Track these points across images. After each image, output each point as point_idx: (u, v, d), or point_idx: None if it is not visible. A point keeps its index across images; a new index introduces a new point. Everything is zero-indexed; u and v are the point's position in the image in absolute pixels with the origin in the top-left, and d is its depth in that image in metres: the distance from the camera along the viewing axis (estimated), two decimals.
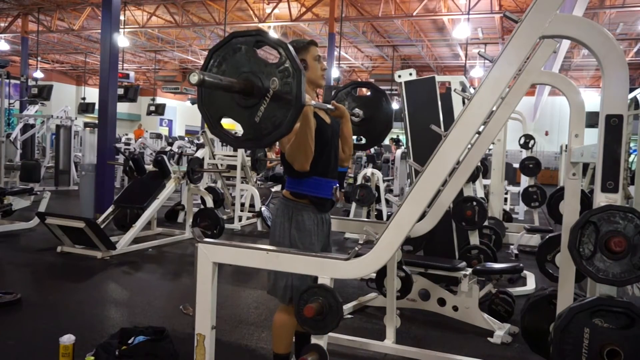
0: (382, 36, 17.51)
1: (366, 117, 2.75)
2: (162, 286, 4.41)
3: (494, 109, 2.61)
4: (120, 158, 8.77)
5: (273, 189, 9.27)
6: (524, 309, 2.40)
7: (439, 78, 4.25)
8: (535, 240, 6.05)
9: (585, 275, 1.58)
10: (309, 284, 1.97)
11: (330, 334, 2.09)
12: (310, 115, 2.02)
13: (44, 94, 11.77)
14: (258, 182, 8.63)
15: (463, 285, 3.40)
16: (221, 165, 7.49)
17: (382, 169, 9.36)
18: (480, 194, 5.88)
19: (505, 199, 8.67)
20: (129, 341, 2.72)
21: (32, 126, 11.61)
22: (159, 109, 16.75)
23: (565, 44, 10.17)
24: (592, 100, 15.78)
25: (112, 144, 7.52)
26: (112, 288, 4.31)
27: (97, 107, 7.74)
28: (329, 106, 2.28)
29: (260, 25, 14.75)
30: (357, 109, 2.74)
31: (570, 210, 2.22)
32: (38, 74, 18.45)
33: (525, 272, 4.67)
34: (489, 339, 3.25)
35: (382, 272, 3.29)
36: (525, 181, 7.59)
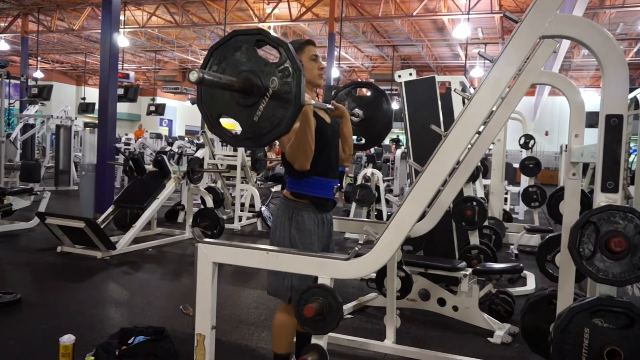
0: (382, 36, 17.52)
1: (366, 117, 2.75)
2: (162, 286, 4.41)
3: (494, 109, 2.61)
4: (120, 158, 8.77)
5: (273, 189, 9.28)
6: (524, 309, 2.40)
7: (439, 78, 4.25)
8: (535, 240, 6.05)
9: (585, 275, 1.58)
10: (310, 284, 1.97)
11: (330, 334, 2.09)
12: (310, 115, 2.02)
13: (44, 94, 11.77)
14: (258, 182, 8.63)
15: (463, 285, 3.40)
16: (221, 165, 7.49)
17: (382, 169, 9.36)
18: (480, 194, 5.88)
19: (505, 199, 8.66)
20: (129, 341, 2.72)
21: (32, 126, 11.61)
22: (159, 109, 16.75)
23: (565, 44, 10.17)
24: (592, 100, 15.78)
25: (112, 144, 7.52)
26: (112, 288, 4.31)
27: (97, 107, 7.74)
28: (329, 106, 2.28)
29: (260, 25, 14.74)
30: (357, 109, 2.74)
31: (570, 210, 2.22)
32: (38, 74, 18.45)
33: (525, 272, 4.67)
34: (489, 339, 3.25)
35: (382, 272, 3.29)
36: (525, 181, 7.59)
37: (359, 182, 7.27)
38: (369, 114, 2.75)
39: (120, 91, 11.23)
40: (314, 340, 1.91)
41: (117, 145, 9.07)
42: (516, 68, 1.81)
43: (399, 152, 9.04)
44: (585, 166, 6.39)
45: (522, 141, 7.80)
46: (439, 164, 1.89)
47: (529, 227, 5.80)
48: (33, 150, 11.88)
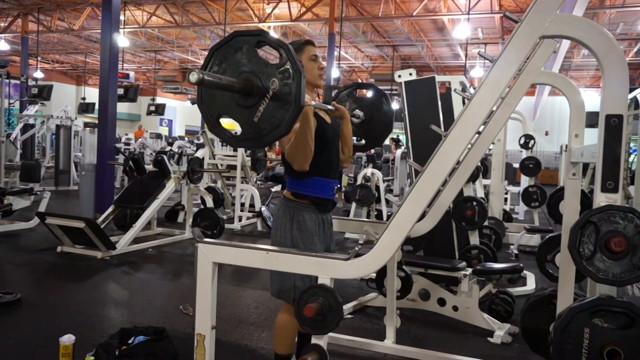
0: (382, 36, 17.51)
1: (366, 118, 2.75)
2: (162, 286, 4.41)
3: (494, 109, 2.61)
4: (120, 158, 8.77)
5: (273, 189, 9.28)
6: (524, 309, 2.40)
7: (439, 78, 4.25)
8: (535, 240, 6.05)
9: (585, 275, 1.58)
10: (310, 284, 1.97)
11: (331, 334, 2.09)
12: (310, 116, 2.02)
13: (44, 94, 11.76)
14: (258, 182, 8.63)
15: (463, 285, 3.40)
16: (221, 165, 7.49)
17: (382, 169, 9.36)
18: (480, 194, 5.89)
19: (505, 199, 8.66)
20: (129, 341, 2.72)
21: (32, 126, 11.61)
22: (159, 109, 16.75)
23: (565, 44, 10.17)
24: (592, 100, 15.79)
25: (112, 144, 7.52)
26: (112, 288, 4.31)
27: (97, 107, 7.74)
28: (329, 107, 2.28)
29: (260, 25, 14.75)
30: (357, 111, 2.74)
31: (570, 210, 2.22)
32: (38, 74, 18.45)
33: (525, 272, 4.67)
34: (489, 339, 3.25)
35: (382, 272, 3.29)
36: (525, 181, 7.59)
37: (359, 182, 7.27)
38: (370, 115, 2.75)
39: (120, 91, 11.22)
40: (314, 340, 1.91)
41: (117, 145, 9.07)
42: (516, 68, 1.81)
43: (399, 152, 9.04)
44: (585, 166, 6.39)
45: (522, 141, 7.80)
46: (439, 164, 1.89)
47: (529, 227, 5.80)
48: (33, 150, 11.89)
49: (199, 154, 7.53)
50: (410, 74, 4.17)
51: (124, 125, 25.33)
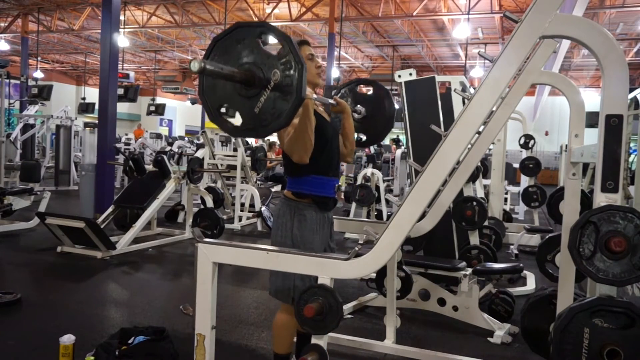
0: (382, 36, 17.51)
1: (368, 114, 2.75)
2: (162, 286, 4.41)
3: (494, 109, 2.61)
4: (120, 158, 8.77)
5: (273, 189, 9.27)
6: (524, 309, 2.40)
7: (439, 78, 4.25)
8: (535, 240, 6.05)
9: (585, 275, 1.58)
10: (310, 284, 1.97)
11: (330, 334, 2.09)
12: (310, 108, 2.02)
13: (44, 94, 11.76)
14: (258, 182, 8.63)
15: (463, 285, 3.40)
16: (221, 165, 7.49)
17: (382, 169, 9.36)
18: (480, 194, 5.88)
19: (505, 199, 8.66)
20: (129, 341, 2.72)
21: (32, 126, 11.61)
22: (159, 109, 16.75)
23: (565, 44, 10.17)
24: (592, 100, 15.79)
25: (112, 144, 7.52)
26: (112, 288, 4.31)
27: (97, 107, 7.74)
28: (331, 101, 2.28)
29: None
30: (359, 106, 2.74)
31: (570, 210, 2.22)
32: (38, 74, 18.45)
33: (525, 272, 4.67)
34: (489, 339, 3.25)
35: (382, 272, 3.29)
36: (525, 181, 7.59)
37: (359, 182, 7.27)
38: (371, 111, 2.75)
39: (120, 91, 11.23)
40: (314, 340, 1.91)
41: (117, 145, 9.07)
42: (516, 68, 1.81)
43: (399, 152, 9.04)
44: (585, 166, 6.39)
45: (522, 141, 7.80)
46: (439, 164, 1.89)
47: (529, 227, 5.80)
48: (33, 150, 11.88)
49: (199, 154, 7.53)
50: (410, 74, 4.17)
51: (124, 125, 25.32)
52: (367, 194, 6.75)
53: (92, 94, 17.80)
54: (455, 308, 3.49)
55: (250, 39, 1.71)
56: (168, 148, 12.30)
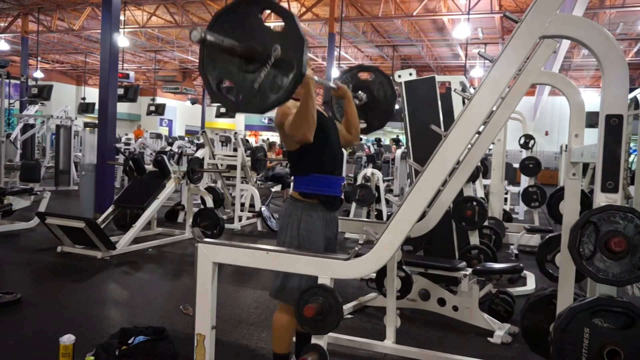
0: (382, 36, 17.51)
1: (369, 101, 2.75)
2: (162, 286, 4.41)
3: (494, 109, 2.62)
4: (120, 158, 8.77)
5: (273, 189, 9.28)
6: (524, 309, 2.40)
7: (439, 78, 4.26)
8: (535, 240, 6.05)
9: (585, 275, 1.58)
10: (310, 284, 1.97)
11: (330, 334, 2.09)
12: (312, 86, 2.03)
13: (44, 94, 11.76)
14: (258, 182, 8.63)
15: (463, 285, 3.40)
16: (221, 165, 7.49)
17: (382, 169, 9.36)
18: (480, 194, 5.88)
19: (505, 199, 8.66)
20: (129, 341, 2.72)
21: (32, 126, 11.60)
22: (159, 109, 16.75)
23: (565, 44, 10.17)
24: (592, 100, 15.78)
25: (112, 144, 7.52)
26: (112, 288, 4.31)
27: (97, 107, 7.74)
28: (332, 84, 2.28)
29: None
30: (360, 92, 2.74)
31: (570, 210, 2.22)
32: (38, 74, 18.44)
33: (525, 272, 4.67)
34: (489, 339, 3.25)
35: (382, 272, 3.29)
36: (525, 181, 7.58)
37: (359, 182, 7.27)
38: (372, 99, 2.75)
39: (120, 91, 11.24)
40: (314, 340, 1.91)
41: (117, 145, 9.07)
42: (516, 68, 1.81)
43: (399, 152, 9.04)
44: (585, 166, 6.39)
45: (522, 141, 7.80)
46: (439, 164, 1.89)
47: (529, 227, 5.80)
48: (33, 150, 11.88)
49: (199, 154, 7.54)
50: (410, 74, 4.17)
51: (124, 125, 25.31)
52: (367, 194, 6.75)
53: (92, 94, 17.79)
54: (455, 308, 3.49)
55: (252, 14, 1.71)
56: (168, 148, 12.30)
